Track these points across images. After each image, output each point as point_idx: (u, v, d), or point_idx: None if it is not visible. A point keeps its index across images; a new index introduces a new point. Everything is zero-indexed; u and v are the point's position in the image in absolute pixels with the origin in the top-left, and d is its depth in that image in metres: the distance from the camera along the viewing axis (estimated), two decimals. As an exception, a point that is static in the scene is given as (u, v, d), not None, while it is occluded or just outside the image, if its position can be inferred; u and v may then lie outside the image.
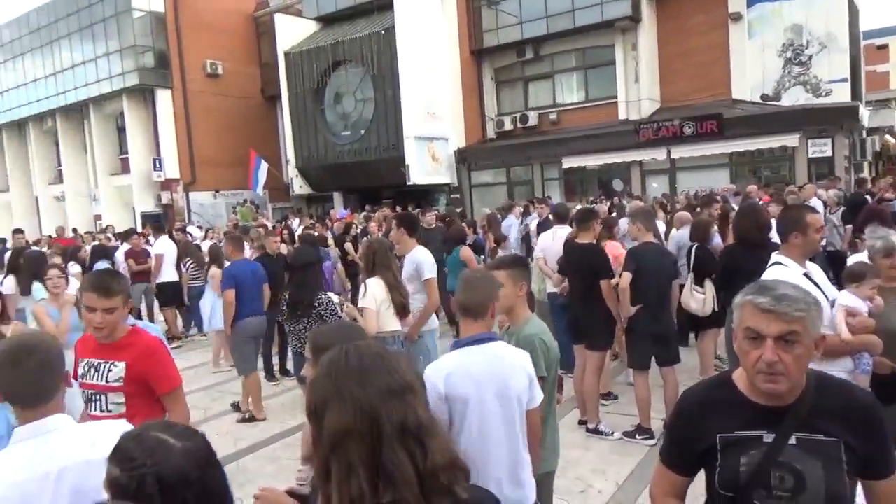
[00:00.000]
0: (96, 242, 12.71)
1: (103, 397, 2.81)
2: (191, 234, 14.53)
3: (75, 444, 1.88)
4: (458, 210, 15.66)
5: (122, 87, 23.94)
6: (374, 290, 4.72)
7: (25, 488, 1.77)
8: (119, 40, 23.85)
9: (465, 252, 7.76)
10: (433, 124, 21.43)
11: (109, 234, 14.73)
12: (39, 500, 1.77)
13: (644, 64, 19.91)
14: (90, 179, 26.66)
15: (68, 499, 1.79)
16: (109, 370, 2.78)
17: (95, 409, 2.82)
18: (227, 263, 6.73)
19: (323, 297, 4.57)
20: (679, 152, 14.49)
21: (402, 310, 4.78)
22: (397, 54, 20.44)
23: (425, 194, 21.80)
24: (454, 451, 1.34)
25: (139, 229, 17.73)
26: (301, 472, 4.80)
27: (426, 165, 21.32)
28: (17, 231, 11.69)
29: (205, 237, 13.69)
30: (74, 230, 19.98)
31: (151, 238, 12.45)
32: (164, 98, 24.10)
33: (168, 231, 13.42)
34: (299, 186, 23.97)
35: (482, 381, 2.49)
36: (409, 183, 20.85)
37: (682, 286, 6.04)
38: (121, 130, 25.77)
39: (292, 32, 23.53)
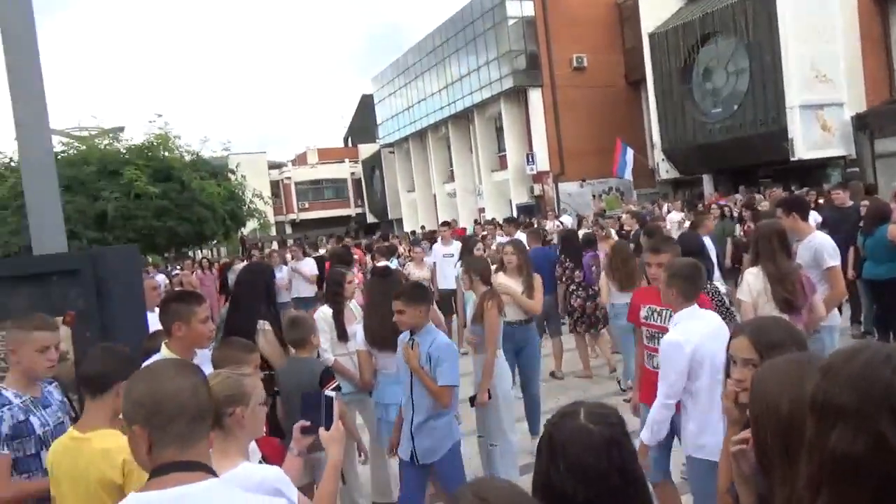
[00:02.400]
0: (485, 232, 14.29)
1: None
2: (562, 223, 15.32)
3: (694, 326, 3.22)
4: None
5: (499, 91, 26.40)
6: (750, 282, 4.28)
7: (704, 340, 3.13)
8: (497, 48, 26.30)
9: (894, 231, 6.48)
10: (823, 89, 18.66)
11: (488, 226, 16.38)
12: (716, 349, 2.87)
13: None
14: (475, 177, 30.08)
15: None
16: (670, 315, 3.49)
17: (655, 343, 3.62)
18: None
19: (709, 286, 4.34)
20: None
21: (784, 305, 4.24)
22: (776, 14, 18.30)
23: (810, 171, 19.13)
24: None
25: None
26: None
27: (815, 137, 18.69)
28: (444, 224, 12.55)
29: (578, 225, 14.24)
30: (455, 221, 22.81)
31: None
32: (535, 96, 25.83)
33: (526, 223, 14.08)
34: (665, 171, 23.29)
35: None
36: (792, 159, 18.54)
37: None
38: (499, 130, 28.47)
39: (656, 13, 22.93)
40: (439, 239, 10.39)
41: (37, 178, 4.67)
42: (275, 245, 25.31)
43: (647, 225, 8.23)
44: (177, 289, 11.44)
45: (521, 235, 10.27)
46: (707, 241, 6.35)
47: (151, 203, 10.68)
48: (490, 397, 4.49)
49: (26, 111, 4.65)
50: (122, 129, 13.92)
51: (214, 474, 1.56)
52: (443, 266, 9.44)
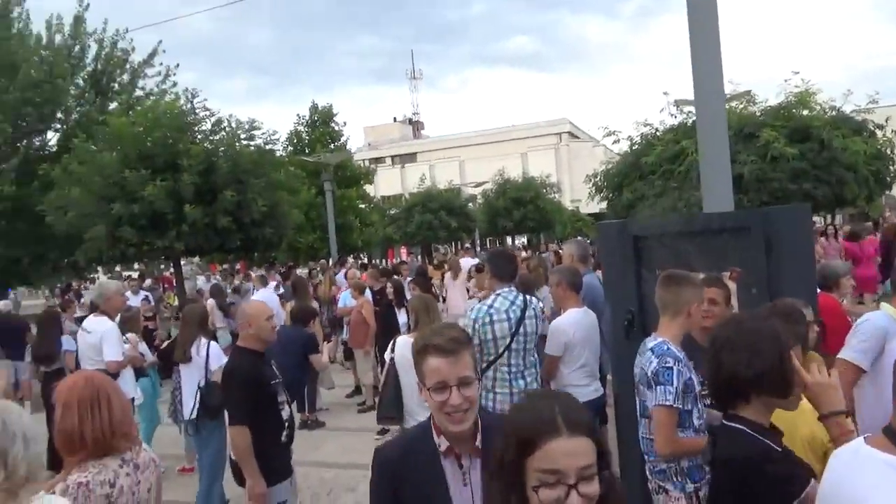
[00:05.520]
0: None
1: None
2: None
3: None
4: None
5: None
6: None
7: None
8: None
9: None
10: None
11: None
12: None
13: None
14: None
15: None
16: None
17: None
18: None
19: None
20: None
21: None
22: None
23: None
24: None
25: None
26: None
27: None
28: None
29: None
30: None
31: None
32: None
33: None
34: None
35: None
36: None
37: None
38: None
39: None
40: None
41: (711, 144, 5.18)
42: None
43: None
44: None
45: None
46: None
47: (787, 165, 10.43)
48: None
49: (705, 86, 5.18)
50: (748, 93, 13.98)
51: None
52: None
